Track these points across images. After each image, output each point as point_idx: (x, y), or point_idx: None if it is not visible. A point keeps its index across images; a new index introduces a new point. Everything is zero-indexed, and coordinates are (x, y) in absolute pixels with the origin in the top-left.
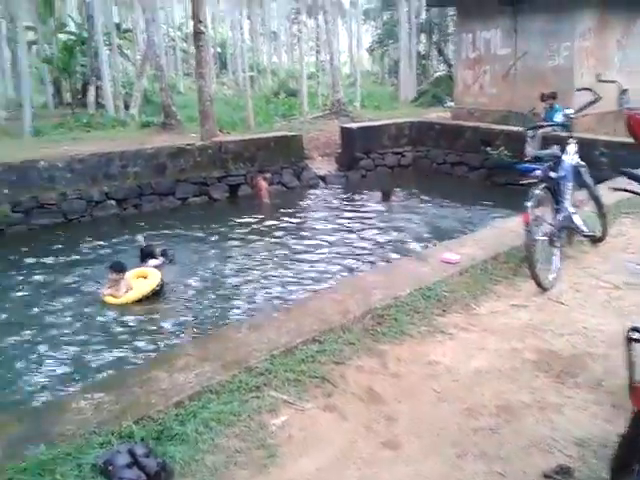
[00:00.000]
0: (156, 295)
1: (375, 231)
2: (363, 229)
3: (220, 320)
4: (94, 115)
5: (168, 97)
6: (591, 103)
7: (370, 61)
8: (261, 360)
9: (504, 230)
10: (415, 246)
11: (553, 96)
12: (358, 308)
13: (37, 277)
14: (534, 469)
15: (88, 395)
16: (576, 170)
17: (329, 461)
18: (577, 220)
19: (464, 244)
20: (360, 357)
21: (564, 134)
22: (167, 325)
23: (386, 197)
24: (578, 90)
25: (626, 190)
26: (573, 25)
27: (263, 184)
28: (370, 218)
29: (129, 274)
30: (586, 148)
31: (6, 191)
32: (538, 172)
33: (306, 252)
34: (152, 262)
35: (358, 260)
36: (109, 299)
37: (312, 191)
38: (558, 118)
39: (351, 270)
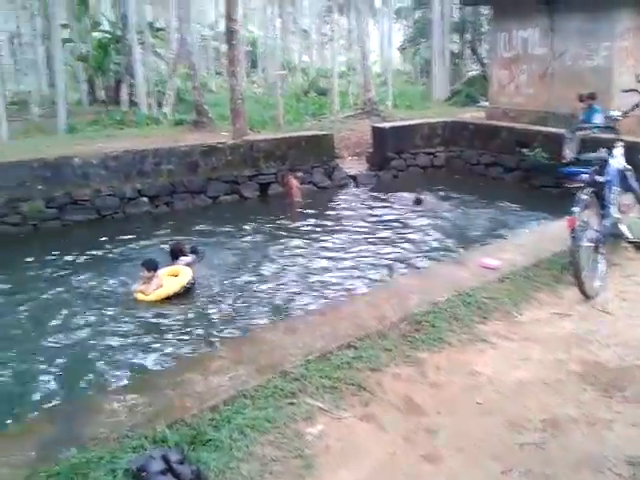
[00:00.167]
0: (187, 293)
1: (408, 233)
2: (396, 231)
3: (251, 320)
4: (127, 113)
5: (200, 95)
6: (638, 105)
7: (401, 60)
8: (296, 365)
9: (545, 235)
10: (451, 249)
11: (592, 97)
12: (394, 313)
13: (69, 272)
14: None
15: (121, 397)
16: (622, 174)
17: (368, 474)
18: (622, 226)
19: (504, 249)
20: (397, 364)
21: (605, 136)
22: (197, 324)
23: (418, 201)
24: (624, 91)
25: None
26: (612, 25)
27: (294, 182)
28: (403, 219)
29: (162, 272)
30: (629, 151)
31: (40, 187)
32: (585, 176)
33: (338, 253)
34: (184, 259)
35: (392, 263)
36: (140, 296)
37: (343, 191)
38: (597, 119)
39: (385, 273)
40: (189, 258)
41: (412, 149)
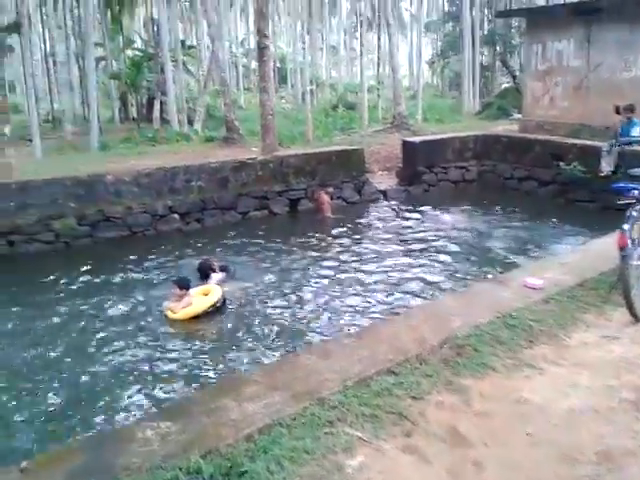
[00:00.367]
0: (218, 312)
1: (443, 250)
2: (430, 248)
3: (284, 342)
4: (159, 130)
5: (231, 112)
6: None
7: (430, 74)
8: (334, 391)
9: (588, 253)
10: (487, 267)
11: (631, 109)
12: (434, 336)
13: (100, 289)
14: None
15: (154, 424)
16: None
17: None
18: None
19: (547, 268)
20: (440, 392)
21: None
22: (226, 345)
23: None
24: None
25: None
26: None
27: (325, 198)
28: (436, 235)
29: (193, 291)
30: None
31: (73, 204)
32: (636, 192)
33: (372, 271)
34: (215, 277)
35: (428, 281)
36: (169, 314)
37: (373, 206)
38: (636, 132)
39: (421, 292)
40: (220, 275)
41: (443, 163)
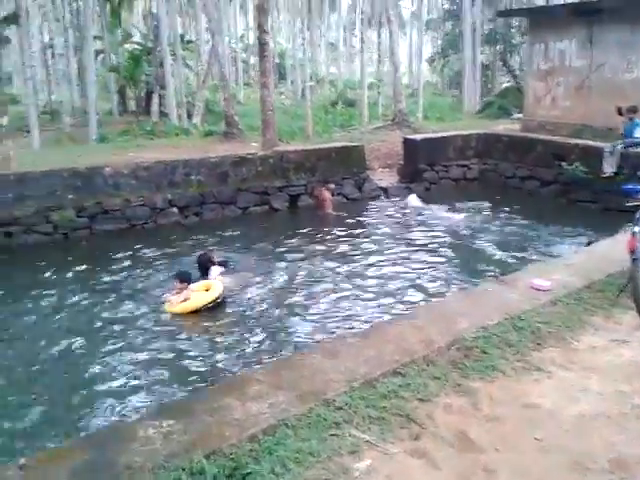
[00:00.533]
0: (218, 307)
1: (445, 247)
2: (431, 245)
3: (286, 339)
4: (157, 123)
5: (231, 106)
6: None
7: (429, 72)
8: (339, 392)
9: (594, 254)
10: (492, 267)
11: (634, 110)
12: (442, 337)
13: (99, 282)
14: None
15: (156, 422)
16: None
17: None
18: None
19: (552, 269)
20: (448, 394)
21: None
22: (227, 341)
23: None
24: None
25: None
26: None
27: (327, 194)
28: (437, 233)
29: (195, 285)
30: None
31: (71, 196)
32: None
33: (374, 268)
34: (215, 270)
35: (430, 280)
36: (167, 306)
37: (373, 203)
38: (639, 133)
39: (424, 291)
40: (221, 268)
41: (444, 161)
